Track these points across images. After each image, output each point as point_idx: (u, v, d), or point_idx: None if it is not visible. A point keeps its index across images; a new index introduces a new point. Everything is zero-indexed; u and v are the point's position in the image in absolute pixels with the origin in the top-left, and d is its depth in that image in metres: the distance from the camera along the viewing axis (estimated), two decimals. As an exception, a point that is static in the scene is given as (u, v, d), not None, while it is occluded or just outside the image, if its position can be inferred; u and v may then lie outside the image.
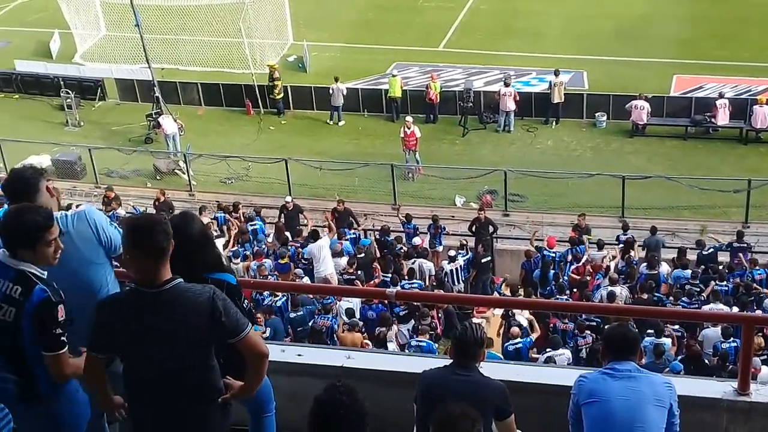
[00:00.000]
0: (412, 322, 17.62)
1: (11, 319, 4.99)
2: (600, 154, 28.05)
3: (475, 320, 16.34)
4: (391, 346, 16.50)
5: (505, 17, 36.37)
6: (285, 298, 18.17)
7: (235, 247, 20.65)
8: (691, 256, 20.41)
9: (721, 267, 19.72)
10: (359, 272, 19.36)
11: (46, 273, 5.07)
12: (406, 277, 19.33)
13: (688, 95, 29.73)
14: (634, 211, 23.96)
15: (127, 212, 22.94)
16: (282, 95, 31.34)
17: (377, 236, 22.49)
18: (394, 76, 30.87)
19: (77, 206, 20.01)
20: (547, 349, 15.99)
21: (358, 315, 18.07)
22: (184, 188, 27.37)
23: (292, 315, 17.90)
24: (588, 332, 16.99)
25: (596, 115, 29.26)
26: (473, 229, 22.30)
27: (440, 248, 22.44)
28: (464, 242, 21.68)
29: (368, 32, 35.88)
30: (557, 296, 18.22)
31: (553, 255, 20.70)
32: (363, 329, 17.52)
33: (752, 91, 29.65)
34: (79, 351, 5.20)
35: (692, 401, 6.15)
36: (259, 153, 28.33)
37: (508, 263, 22.03)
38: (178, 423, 5.00)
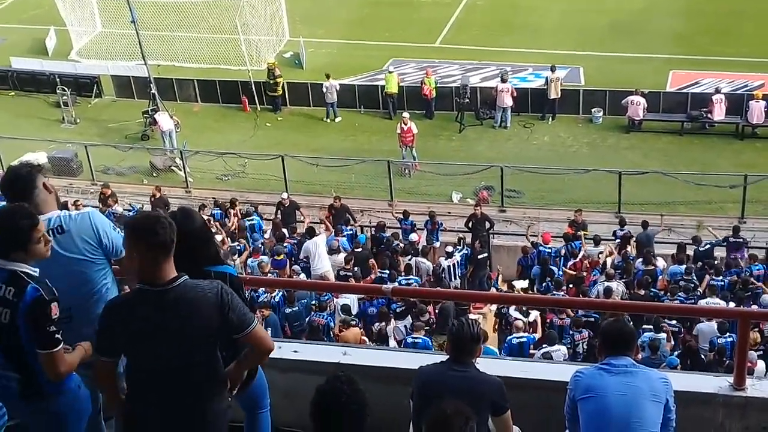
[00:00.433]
0: (409, 318, 17.62)
1: (7, 320, 4.99)
2: (596, 149, 28.07)
3: (471, 316, 16.38)
4: (389, 342, 16.53)
5: (501, 13, 36.37)
6: (281, 294, 18.17)
7: (233, 243, 20.62)
8: (689, 251, 20.40)
9: (717, 262, 19.73)
10: (356, 269, 19.35)
11: (37, 270, 5.06)
12: (403, 274, 19.32)
13: (685, 91, 29.72)
14: (630, 206, 23.95)
15: (124, 209, 22.96)
16: (281, 92, 31.34)
17: (373, 233, 22.49)
18: (390, 72, 30.87)
19: (75, 202, 20.04)
20: (543, 345, 16.00)
21: (355, 311, 18.07)
22: (180, 185, 27.35)
23: (288, 311, 17.90)
24: (584, 328, 16.99)
25: (592, 110, 29.27)
26: (470, 225, 22.31)
27: (437, 244, 22.43)
28: (461, 237, 21.66)
29: (364, 28, 35.87)
30: (554, 292, 18.21)
31: (549, 250, 20.71)
32: (360, 325, 17.52)
33: (748, 86, 29.67)
34: (74, 347, 5.22)
35: (688, 396, 6.16)
36: (255, 150, 28.31)
37: (504, 259, 22.02)
38: (184, 419, 5.01)
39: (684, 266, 19.12)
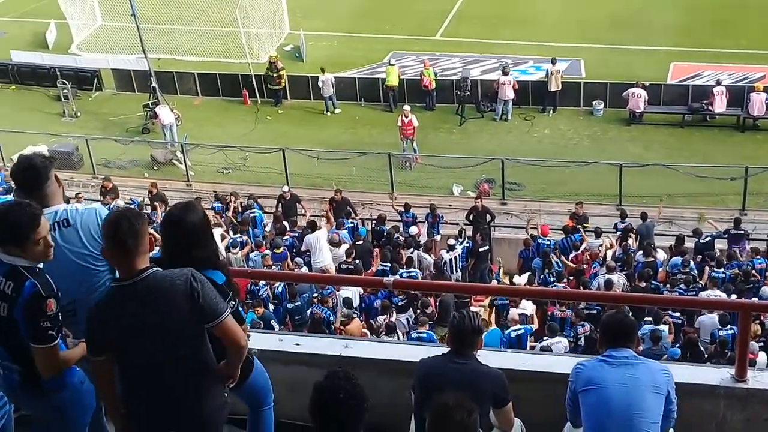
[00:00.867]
0: (411, 311, 17.65)
1: (5, 314, 5.00)
2: (597, 142, 28.06)
3: (473, 309, 16.41)
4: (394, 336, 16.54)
5: (502, 5, 36.31)
6: (283, 286, 18.20)
7: (234, 236, 20.61)
8: (690, 243, 20.40)
9: (718, 254, 19.73)
10: (357, 261, 19.36)
11: (41, 264, 5.07)
12: (405, 266, 19.33)
13: (685, 83, 29.69)
14: (631, 198, 23.95)
15: (125, 203, 22.98)
16: (283, 86, 31.33)
17: (373, 225, 22.49)
18: (391, 65, 30.85)
19: (76, 195, 20.04)
20: (544, 338, 16.02)
21: (356, 304, 18.09)
22: (181, 178, 27.35)
23: (290, 306, 17.93)
24: (585, 321, 17.00)
25: (593, 103, 29.26)
26: (470, 217, 22.32)
27: (438, 237, 22.44)
28: (463, 229, 21.67)
29: (365, 21, 35.83)
30: (555, 284, 18.23)
31: (548, 243, 20.71)
32: (361, 318, 17.54)
33: (749, 78, 29.62)
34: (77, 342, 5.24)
35: (690, 388, 6.16)
36: (256, 143, 28.32)
37: (506, 252, 22.01)
38: (175, 414, 5.01)
39: (680, 258, 19.11)
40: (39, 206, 5.11)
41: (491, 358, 6.20)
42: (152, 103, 29.87)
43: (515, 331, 16.33)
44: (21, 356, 5.10)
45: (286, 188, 23.75)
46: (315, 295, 18.16)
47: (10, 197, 5.88)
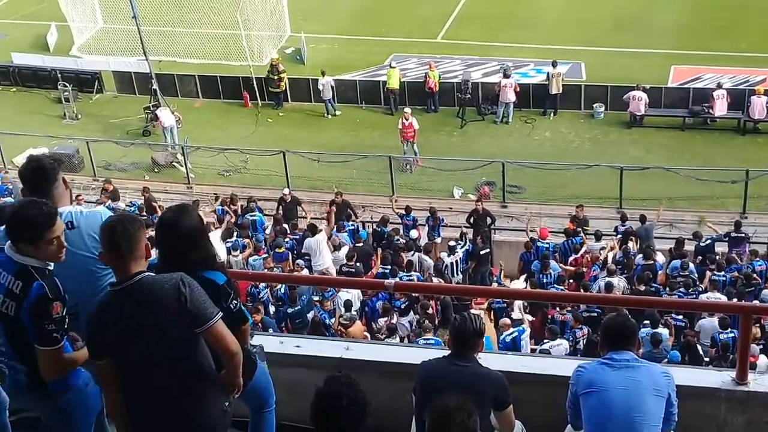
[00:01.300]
0: (412, 314, 17.65)
1: (12, 313, 5.02)
2: (598, 145, 28.06)
3: (473, 312, 16.39)
4: (396, 338, 16.55)
5: (502, 8, 36.28)
6: (284, 288, 18.23)
7: (234, 239, 20.61)
8: (690, 247, 20.40)
9: (718, 257, 19.72)
10: (358, 264, 19.36)
11: (51, 265, 5.08)
12: (405, 269, 19.32)
13: (686, 86, 29.71)
14: (632, 201, 23.97)
15: (126, 205, 23.00)
16: (284, 88, 31.35)
17: (375, 227, 22.49)
18: (392, 67, 30.84)
19: (77, 197, 20.07)
20: (545, 340, 16.02)
21: (356, 306, 18.09)
22: (182, 181, 27.37)
23: (290, 310, 17.94)
24: (584, 324, 16.99)
25: (594, 106, 29.25)
26: (471, 220, 22.33)
27: (439, 240, 22.44)
28: (463, 232, 21.67)
29: (366, 24, 35.83)
30: (554, 286, 18.24)
31: (546, 246, 20.71)
32: (362, 320, 17.56)
33: (750, 81, 29.64)
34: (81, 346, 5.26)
35: (690, 391, 6.17)
36: (257, 145, 28.34)
37: (506, 254, 22.00)
38: (169, 416, 5.01)
39: (679, 261, 19.11)
40: (55, 207, 5.14)
41: (492, 360, 6.20)
42: (153, 106, 29.87)
43: (509, 334, 16.35)
44: (27, 357, 5.11)
45: (286, 191, 23.75)
46: (315, 298, 18.17)
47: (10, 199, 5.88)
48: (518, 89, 29.24)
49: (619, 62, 31.48)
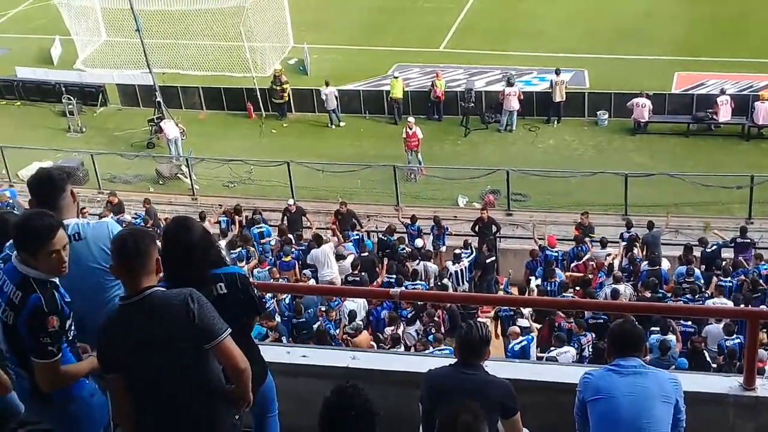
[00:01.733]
0: (418, 323, 17.64)
1: (11, 323, 5.02)
2: (602, 152, 28.05)
3: (480, 320, 16.42)
4: (400, 347, 16.55)
5: (505, 17, 36.34)
6: (290, 297, 18.25)
7: (236, 250, 20.61)
8: (696, 253, 20.36)
9: (724, 263, 19.69)
10: (363, 274, 19.36)
11: (56, 279, 5.07)
12: (410, 278, 19.33)
13: (690, 92, 29.69)
14: (637, 208, 23.95)
15: (132, 217, 23.05)
16: (287, 99, 31.40)
17: (380, 236, 22.49)
18: (395, 77, 30.88)
19: (81, 210, 20.13)
20: (552, 348, 16.00)
21: (361, 316, 18.09)
22: (186, 193, 27.41)
23: (295, 321, 17.95)
24: (588, 331, 16.95)
25: (598, 113, 29.25)
26: (476, 229, 22.33)
27: (443, 249, 22.44)
28: (468, 241, 21.67)
29: (369, 34, 35.87)
30: (563, 294, 18.20)
31: (555, 254, 20.72)
32: (368, 330, 17.57)
33: (754, 87, 29.60)
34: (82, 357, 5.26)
35: (698, 397, 6.15)
36: (261, 156, 28.35)
37: (511, 263, 22.01)
38: (180, 427, 5.00)
39: (685, 267, 19.08)
40: (59, 219, 5.13)
41: (499, 368, 6.18)
42: (157, 118, 29.94)
43: (518, 343, 16.32)
44: (28, 363, 5.10)
45: (291, 201, 23.77)
46: (322, 308, 18.18)
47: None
48: (522, 97, 29.26)
49: (622, 69, 31.47)
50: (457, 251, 21.08)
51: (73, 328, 5.18)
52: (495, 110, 29.80)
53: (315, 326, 17.67)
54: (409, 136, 27.11)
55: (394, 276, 19.14)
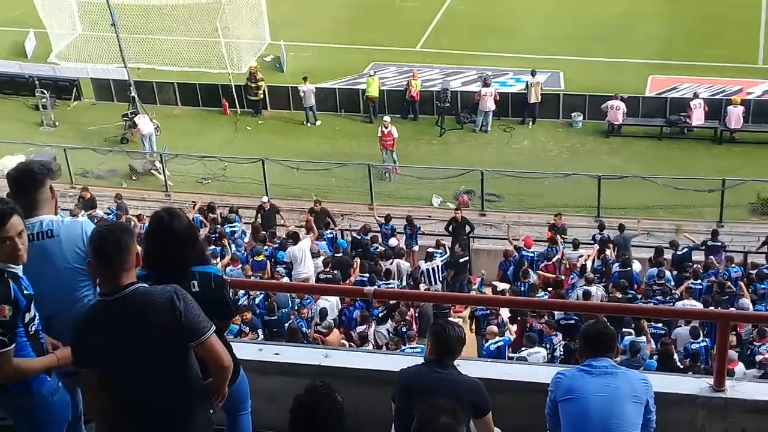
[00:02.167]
0: (390, 322, 17.63)
1: None
2: (576, 154, 28.20)
3: (452, 319, 16.41)
4: (370, 345, 16.55)
5: (482, 18, 36.34)
6: (262, 296, 18.18)
7: (211, 247, 20.53)
8: (667, 255, 20.50)
9: (695, 266, 19.82)
10: (336, 272, 19.34)
11: (16, 268, 4.99)
12: (384, 278, 19.32)
13: (664, 95, 29.93)
14: (609, 210, 24.11)
15: (104, 212, 22.93)
16: (263, 96, 31.32)
17: (355, 235, 22.48)
18: (371, 76, 30.87)
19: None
20: (523, 348, 16.04)
21: (333, 315, 18.05)
22: (160, 189, 27.29)
23: (266, 318, 17.91)
24: (558, 331, 17.01)
25: (572, 115, 29.40)
26: (450, 228, 22.36)
27: (416, 248, 22.47)
28: (441, 242, 21.70)
29: (345, 32, 35.82)
30: (538, 294, 18.25)
31: (531, 254, 20.79)
32: (340, 329, 17.54)
33: (726, 91, 29.88)
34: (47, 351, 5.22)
35: (669, 398, 6.19)
36: (235, 153, 28.26)
37: (485, 263, 22.07)
38: (158, 425, 4.99)
39: (656, 269, 19.20)
40: (15, 205, 5.04)
41: (471, 368, 6.21)
42: (131, 113, 29.77)
43: (494, 343, 16.34)
44: None
45: (265, 198, 23.73)
46: (295, 308, 18.14)
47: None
48: (498, 98, 29.35)
49: (597, 72, 31.65)
50: (430, 250, 21.10)
51: (36, 322, 5.12)
52: (470, 110, 29.88)
53: (287, 324, 17.62)
54: (385, 135, 27.12)
55: (367, 275, 19.12)
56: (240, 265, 19.78)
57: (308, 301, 17.94)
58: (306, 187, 25.70)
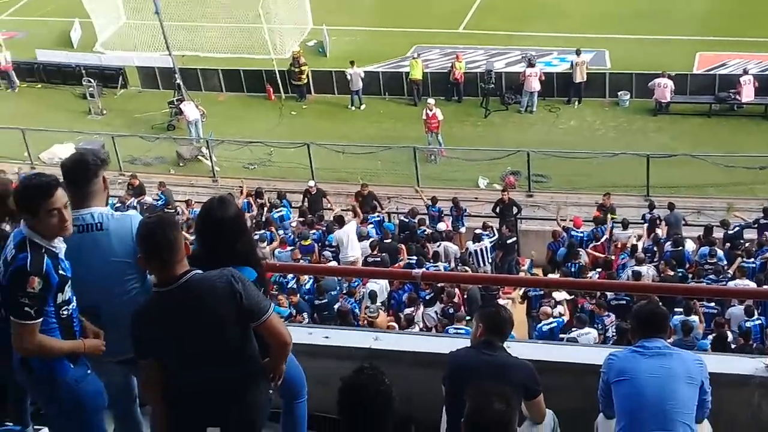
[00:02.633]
0: (438, 304, 17.61)
1: (1, 280, 5.02)
2: (624, 133, 27.88)
3: (500, 301, 16.40)
4: (417, 328, 16.53)
5: (525, -3, 36.08)
6: (311, 280, 18.26)
7: (262, 231, 20.65)
8: (718, 234, 20.21)
9: (747, 244, 19.55)
10: (384, 255, 19.35)
11: (59, 249, 5.04)
12: (431, 260, 19.30)
13: (712, 72, 29.45)
14: (659, 189, 23.78)
15: (153, 199, 23.16)
16: (306, 81, 31.38)
17: (402, 219, 22.46)
18: (415, 58, 30.79)
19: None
20: (573, 329, 15.93)
21: (382, 298, 18.08)
22: (207, 174, 27.46)
23: (317, 302, 17.98)
24: (610, 312, 16.87)
25: (619, 94, 29.08)
26: (497, 210, 22.27)
27: (463, 230, 22.40)
28: (488, 224, 21.61)
29: (388, 15, 35.69)
30: (583, 275, 18.10)
31: (580, 235, 20.62)
32: (389, 312, 17.55)
33: (776, 66, 29.36)
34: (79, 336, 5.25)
35: (723, 378, 6.08)
36: (281, 138, 28.34)
37: (533, 244, 21.96)
38: (220, 409, 5.03)
39: (707, 248, 18.96)
40: (58, 179, 5.09)
41: (521, 349, 6.18)
42: (177, 100, 29.98)
43: (547, 324, 16.25)
44: None
45: (311, 183, 23.78)
46: (343, 291, 18.19)
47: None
48: (543, 78, 29.13)
49: (643, 49, 31.17)
50: (478, 231, 21.04)
51: (71, 307, 5.14)
52: (515, 91, 29.69)
53: (335, 307, 17.67)
54: (429, 117, 27.05)
55: (415, 258, 19.11)
56: (288, 248, 19.87)
57: (356, 284, 17.96)
58: (352, 171, 25.73)
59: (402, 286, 18.14)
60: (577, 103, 29.54)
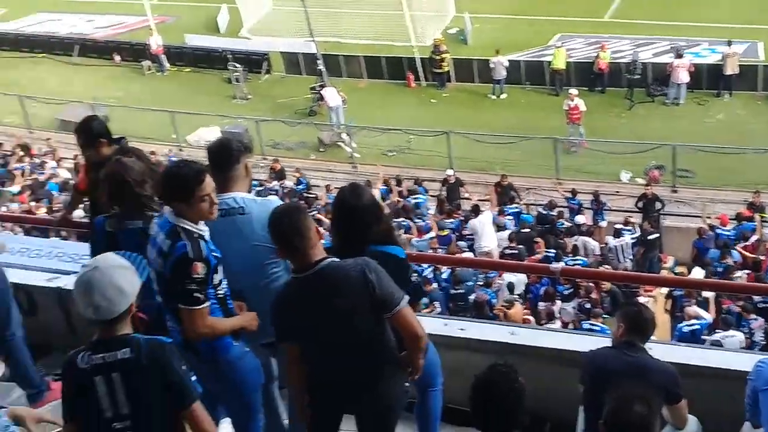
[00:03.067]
0: (576, 299, 17.32)
1: (162, 271, 5.12)
2: (777, 128, 26.79)
3: (641, 299, 15.97)
4: (556, 323, 16.31)
5: (674, -15, 35.10)
6: (449, 271, 18.22)
7: (399, 219, 20.73)
8: None
9: None
10: (521, 247, 19.15)
11: (205, 230, 5.14)
12: (570, 254, 19.00)
13: None
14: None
15: (294, 183, 23.54)
16: (447, 69, 31.33)
17: (540, 210, 22.18)
18: (558, 47, 30.36)
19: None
20: (717, 330, 15.39)
21: (519, 290, 17.90)
22: (347, 161, 27.72)
23: (452, 292, 17.95)
24: (757, 315, 16.20)
25: (773, 87, 28.01)
26: (640, 205, 21.75)
27: (603, 224, 21.96)
28: (629, 219, 21.13)
29: (530, 3, 35.36)
30: (730, 276, 17.44)
31: (727, 233, 19.92)
32: (524, 304, 17.37)
33: None
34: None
35: None
36: (420, 125, 28.35)
37: (676, 241, 21.34)
38: (356, 395, 5.10)
39: None
40: (204, 166, 5.22)
41: (664, 351, 6.00)
42: (319, 86, 30.38)
43: (688, 325, 15.73)
44: (178, 315, 5.19)
45: (450, 171, 23.73)
46: (479, 282, 18.09)
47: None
48: (692, 69, 28.30)
49: (800, 41, 29.98)
50: (618, 227, 20.59)
51: (224, 287, 5.24)
52: (661, 82, 28.94)
53: (471, 297, 17.60)
54: (571, 108, 26.61)
55: (553, 251, 18.83)
56: (425, 237, 19.90)
57: (493, 275, 17.84)
58: (491, 161, 25.53)
59: (540, 280, 17.91)
60: (727, 96, 28.56)
